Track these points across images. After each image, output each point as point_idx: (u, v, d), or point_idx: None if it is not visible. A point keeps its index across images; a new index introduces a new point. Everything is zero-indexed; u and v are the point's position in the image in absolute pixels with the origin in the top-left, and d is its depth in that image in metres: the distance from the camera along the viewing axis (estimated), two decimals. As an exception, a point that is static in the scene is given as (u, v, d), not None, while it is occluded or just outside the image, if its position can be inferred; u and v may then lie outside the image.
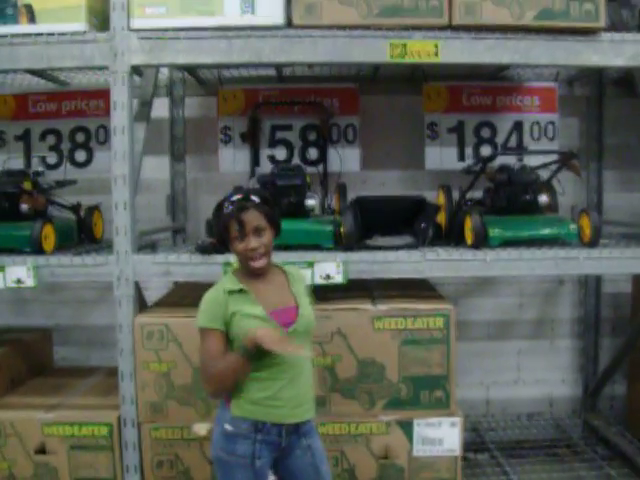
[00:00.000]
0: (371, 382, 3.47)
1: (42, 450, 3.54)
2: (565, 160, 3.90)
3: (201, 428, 3.43)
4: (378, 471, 3.49)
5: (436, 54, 3.39)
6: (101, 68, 3.47)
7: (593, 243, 3.62)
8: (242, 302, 2.57)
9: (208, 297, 2.61)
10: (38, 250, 3.55)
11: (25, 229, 3.59)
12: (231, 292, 2.58)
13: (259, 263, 2.58)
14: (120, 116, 3.40)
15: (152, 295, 4.06)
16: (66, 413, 3.58)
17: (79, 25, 3.42)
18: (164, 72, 4.53)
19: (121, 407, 3.49)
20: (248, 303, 2.57)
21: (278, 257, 2.94)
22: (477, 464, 4.32)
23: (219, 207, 2.62)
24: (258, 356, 2.51)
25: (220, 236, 2.64)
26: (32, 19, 3.43)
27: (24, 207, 3.75)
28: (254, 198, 2.59)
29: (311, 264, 3.39)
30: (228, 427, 2.60)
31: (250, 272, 2.63)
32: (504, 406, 5.03)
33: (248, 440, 2.57)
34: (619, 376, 4.85)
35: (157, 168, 4.68)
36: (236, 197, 2.59)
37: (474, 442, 4.58)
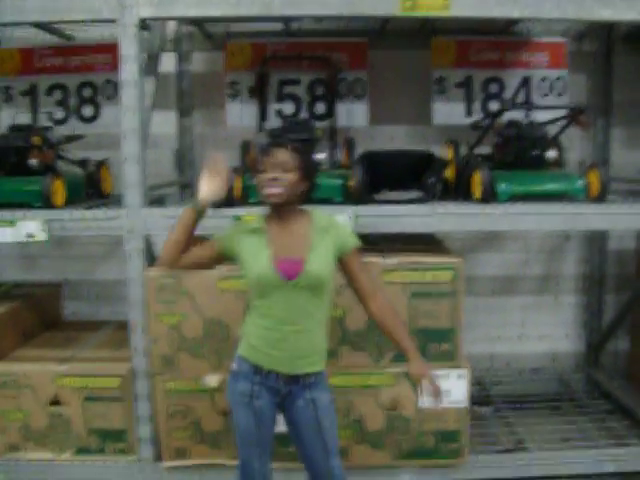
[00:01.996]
0: (380, 334, 3.49)
1: (56, 401, 3.60)
2: (573, 116, 3.89)
3: (212, 379, 3.49)
4: (386, 422, 3.55)
5: (447, 7, 3.35)
6: (109, 21, 3.42)
7: (600, 199, 3.64)
8: (255, 242, 2.65)
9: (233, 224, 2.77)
10: (48, 204, 3.57)
11: (35, 184, 3.60)
12: (251, 230, 2.68)
13: (273, 191, 2.58)
14: (129, 70, 3.39)
15: (159, 250, 4.07)
16: (79, 365, 3.64)
17: (86, -24, 3.40)
18: (171, 26, 4.49)
19: (133, 359, 3.54)
20: (259, 244, 2.64)
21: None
22: (482, 417, 4.38)
23: (258, 147, 2.69)
24: (258, 297, 2.64)
25: (252, 170, 2.75)
26: (38, -29, 3.40)
27: (33, 162, 3.76)
28: (293, 140, 2.71)
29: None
30: (234, 365, 2.74)
31: (271, 208, 2.67)
32: (508, 360, 5.09)
33: (247, 380, 2.68)
34: (622, 332, 4.90)
35: (164, 123, 4.64)
36: (275, 135, 2.70)
37: (479, 395, 4.63)
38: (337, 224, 2.77)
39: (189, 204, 2.71)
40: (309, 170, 2.68)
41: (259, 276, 2.60)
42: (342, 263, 2.72)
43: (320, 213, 2.76)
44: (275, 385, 2.68)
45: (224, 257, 2.73)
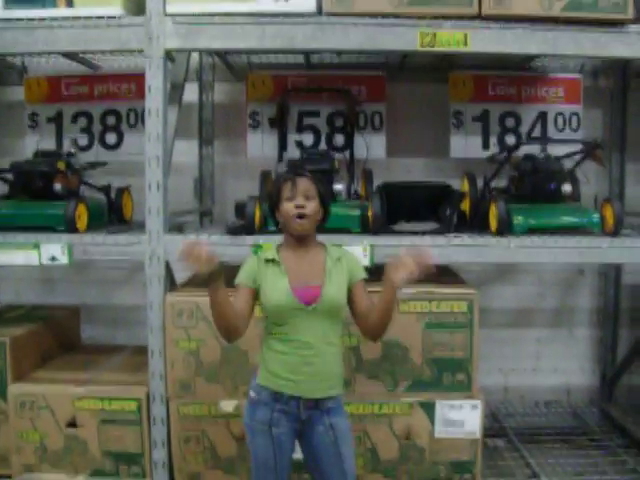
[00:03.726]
0: (395, 363, 3.54)
1: (73, 423, 3.64)
2: (589, 150, 3.93)
3: (228, 405, 3.52)
4: (400, 451, 3.57)
5: (465, 43, 3.42)
6: (136, 52, 3.52)
7: (615, 232, 3.67)
8: (272, 272, 2.71)
9: (245, 260, 2.82)
10: (72, 229, 3.64)
11: (59, 208, 3.69)
12: (266, 260, 2.74)
13: (302, 222, 2.69)
14: (154, 99, 3.48)
15: (177, 277, 4.13)
16: (96, 388, 3.67)
17: (115, 9, 3.49)
18: (194, 57, 4.58)
19: (150, 383, 3.57)
20: (276, 274, 2.70)
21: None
22: (495, 449, 4.37)
23: (277, 177, 2.78)
24: (277, 324, 2.69)
25: (271, 200, 2.80)
26: (70, 3, 3.51)
27: (58, 187, 3.84)
28: (311, 171, 2.83)
29: (339, 247, 3.46)
30: (252, 394, 2.77)
31: (292, 238, 2.75)
32: (522, 393, 5.09)
33: (267, 407, 2.70)
34: (637, 366, 4.89)
35: (185, 152, 4.70)
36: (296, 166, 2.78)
37: (492, 427, 4.63)
38: (349, 254, 2.89)
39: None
40: (326, 198, 2.81)
41: (279, 303, 2.66)
42: (349, 292, 2.78)
43: (333, 246, 2.86)
44: (295, 411, 2.71)
45: (257, 292, 2.75)
